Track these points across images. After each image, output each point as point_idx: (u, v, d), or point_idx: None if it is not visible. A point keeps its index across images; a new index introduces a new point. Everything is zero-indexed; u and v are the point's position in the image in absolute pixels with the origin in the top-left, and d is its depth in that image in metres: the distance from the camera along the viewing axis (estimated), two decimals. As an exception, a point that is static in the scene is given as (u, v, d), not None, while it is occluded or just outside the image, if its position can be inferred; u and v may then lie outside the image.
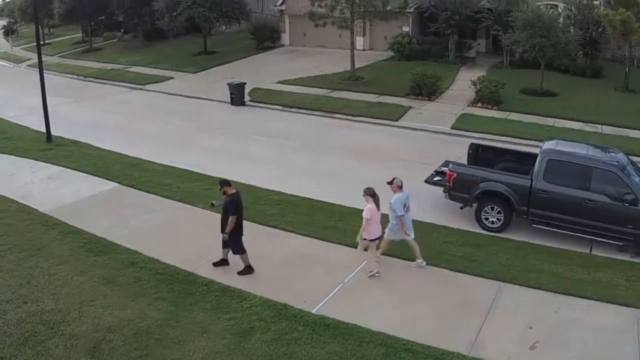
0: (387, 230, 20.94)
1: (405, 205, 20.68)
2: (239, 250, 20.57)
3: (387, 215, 20.98)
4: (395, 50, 57.31)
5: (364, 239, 20.30)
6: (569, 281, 20.18)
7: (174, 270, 20.89)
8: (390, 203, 20.79)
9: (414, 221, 21.35)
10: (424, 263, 20.93)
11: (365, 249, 20.63)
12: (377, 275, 20.42)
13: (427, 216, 24.71)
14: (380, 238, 20.52)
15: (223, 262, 21.02)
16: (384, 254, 21.22)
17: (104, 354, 16.73)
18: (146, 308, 18.78)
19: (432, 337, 17.08)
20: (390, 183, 21.14)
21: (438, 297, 18.90)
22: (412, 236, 20.91)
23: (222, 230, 20.38)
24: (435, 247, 22.03)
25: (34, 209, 26.55)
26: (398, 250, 21.44)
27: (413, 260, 21.06)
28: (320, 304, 18.71)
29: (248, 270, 20.60)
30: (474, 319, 17.95)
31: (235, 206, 20.19)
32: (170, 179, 29.52)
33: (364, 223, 20.03)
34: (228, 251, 20.80)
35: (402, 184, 21.05)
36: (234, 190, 20.41)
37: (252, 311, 18.46)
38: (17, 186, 29.26)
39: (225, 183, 20.60)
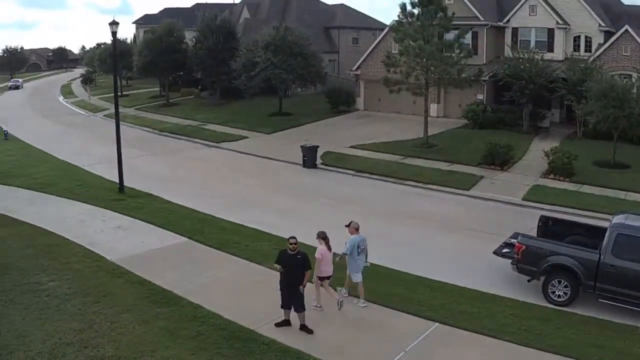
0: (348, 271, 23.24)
1: (359, 247, 22.86)
2: (303, 306, 20.88)
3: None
4: (469, 118, 57.31)
5: (318, 277, 22.36)
6: (632, 358, 19.77)
7: (236, 327, 21.01)
8: (345, 242, 23.08)
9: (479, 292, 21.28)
10: (366, 304, 22.82)
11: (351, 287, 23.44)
12: (319, 308, 22.53)
13: (493, 288, 24.50)
14: (330, 277, 22.55)
15: (285, 323, 21.02)
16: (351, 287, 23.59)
17: (162, 406, 16.94)
18: (206, 363, 18.87)
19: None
20: (347, 226, 23.43)
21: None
22: (358, 279, 22.96)
23: (293, 287, 20.65)
24: (500, 320, 21.74)
25: (101, 256, 27.10)
26: (463, 322, 21.36)
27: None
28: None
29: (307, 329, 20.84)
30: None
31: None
32: (239, 236, 29.80)
33: (316, 263, 22.02)
34: (290, 311, 20.82)
35: (358, 227, 23.29)
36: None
37: (311, 374, 18.38)
38: (87, 233, 29.92)
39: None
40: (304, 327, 20.74)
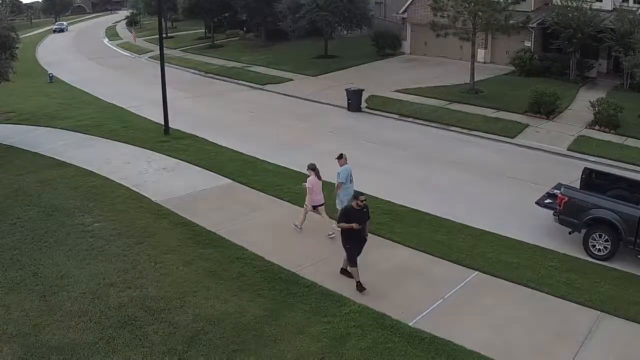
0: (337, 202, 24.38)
1: (351, 176, 24.44)
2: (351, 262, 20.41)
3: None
4: (516, 65, 56.58)
5: (311, 206, 24.32)
6: (670, 316, 19.80)
7: (278, 269, 21.42)
8: (338, 173, 24.50)
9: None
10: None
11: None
12: (299, 229, 24.60)
13: (534, 239, 24.46)
14: (323, 205, 24.42)
15: (361, 286, 20.37)
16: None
17: (201, 344, 17.34)
18: (247, 304, 19.34)
19: (524, 361, 16.94)
20: (338, 158, 24.92)
21: (535, 321, 18.73)
22: (342, 203, 23.61)
23: (364, 242, 20.54)
24: (540, 271, 21.77)
25: (146, 197, 27.56)
26: (502, 272, 21.50)
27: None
28: (418, 317, 18.82)
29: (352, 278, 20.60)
30: (568, 348, 17.73)
31: None
32: (283, 179, 30.08)
33: (307, 192, 24.15)
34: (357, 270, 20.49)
35: (344, 156, 24.83)
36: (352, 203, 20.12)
37: (350, 317, 18.74)
38: (132, 174, 30.40)
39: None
40: (346, 272, 20.90)
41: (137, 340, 17.53)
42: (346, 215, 19.73)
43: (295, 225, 24.78)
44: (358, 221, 19.47)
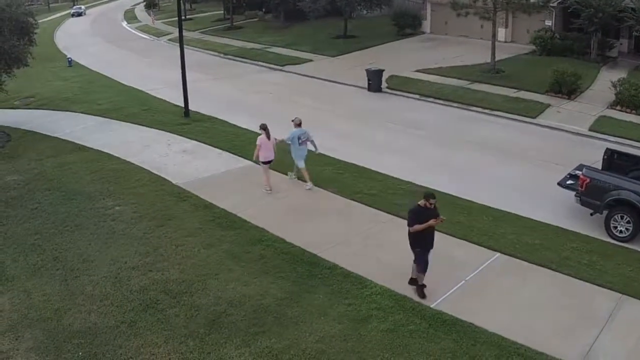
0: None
1: (299, 138, 26.90)
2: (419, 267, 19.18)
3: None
4: (537, 44, 56.25)
5: (261, 162, 26.73)
6: (693, 299, 19.71)
7: (299, 251, 21.49)
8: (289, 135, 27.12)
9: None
10: (311, 187, 27.01)
11: (299, 175, 27.63)
12: (268, 191, 26.80)
13: (556, 220, 24.39)
14: (272, 161, 26.87)
15: (423, 290, 19.26)
16: (300, 178, 27.71)
17: (223, 327, 17.46)
18: (268, 286, 19.43)
19: (546, 344, 16.97)
20: (294, 121, 27.57)
21: (558, 303, 18.70)
22: (301, 165, 27.22)
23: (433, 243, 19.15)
24: (561, 253, 21.71)
25: (167, 180, 27.70)
26: (524, 253, 21.46)
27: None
28: (440, 299, 18.87)
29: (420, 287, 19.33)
30: (589, 330, 17.70)
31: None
32: (303, 161, 30.03)
33: (257, 148, 26.39)
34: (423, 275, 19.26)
35: (300, 122, 27.48)
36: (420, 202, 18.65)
37: (372, 299, 18.81)
38: (152, 157, 30.52)
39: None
40: (415, 282, 19.48)
41: (158, 323, 17.65)
42: (417, 214, 18.42)
43: (266, 189, 26.92)
44: (427, 221, 18.33)
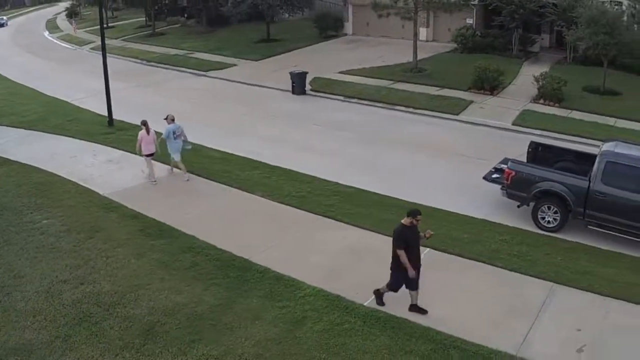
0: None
1: (174, 133, 28.25)
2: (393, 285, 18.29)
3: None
4: (459, 42, 56.85)
5: (144, 155, 28.27)
6: (620, 285, 20.00)
7: (230, 257, 21.29)
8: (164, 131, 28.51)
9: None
10: (188, 177, 28.58)
11: (176, 166, 28.99)
12: (153, 182, 28.36)
13: (484, 214, 24.74)
14: (153, 155, 28.27)
15: (415, 308, 18.46)
16: (176, 166, 29.01)
17: (158, 337, 17.19)
18: (201, 293, 19.21)
19: (481, 335, 17.16)
20: (165, 118, 28.95)
21: (490, 295, 18.93)
22: (177, 158, 28.52)
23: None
24: (491, 246, 22.03)
25: (93, 191, 27.23)
26: (454, 248, 21.63)
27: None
28: (373, 297, 18.84)
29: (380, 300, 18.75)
30: (523, 320, 17.98)
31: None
32: (230, 166, 29.90)
33: (138, 143, 28.16)
34: (416, 294, 18.40)
35: (173, 118, 28.85)
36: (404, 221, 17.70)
37: (305, 301, 18.76)
38: (78, 169, 30.02)
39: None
40: (415, 308, 18.46)
41: (93, 336, 17.33)
42: (402, 235, 17.50)
43: (151, 181, 28.41)
44: (414, 239, 17.66)
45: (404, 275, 17.66)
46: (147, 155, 28.24)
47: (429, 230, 17.95)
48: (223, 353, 16.53)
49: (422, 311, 18.19)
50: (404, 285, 17.96)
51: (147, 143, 28.10)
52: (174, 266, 20.83)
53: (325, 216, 24.40)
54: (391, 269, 17.97)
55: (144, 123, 28.41)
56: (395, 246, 17.47)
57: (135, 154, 28.91)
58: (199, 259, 21.22)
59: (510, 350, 16.70)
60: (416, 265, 17.68)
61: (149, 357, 16.48)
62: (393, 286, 18.15)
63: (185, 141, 28.86)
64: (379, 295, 18.67)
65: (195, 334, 17.26)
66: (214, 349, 16.65)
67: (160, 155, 28.52)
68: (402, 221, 17.57)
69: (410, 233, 17.53)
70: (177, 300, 18.84)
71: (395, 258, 17.61)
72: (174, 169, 29.30)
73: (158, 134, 28.51)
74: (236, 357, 16.40)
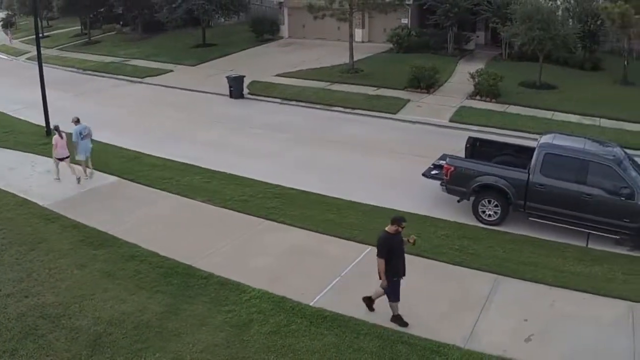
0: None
1: (81, 134, 29.25)
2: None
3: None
4: (394, 42, 57.26)
5: (57, 159, 29.09)
6: (565, 274, 20.36)
7: (173, 264, 21.07)
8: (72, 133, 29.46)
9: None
10: (90, 174, 29.60)
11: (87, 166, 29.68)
12: (58, 180, 29.22)
13: (424, 210, 24.95)
14: (67, 157, 29.06)
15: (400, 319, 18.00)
16: (87, 166, 29.61)
17: (105, 347, 16.92)
18: (146, 301, 18.98)
19: (429, 329, 17.28)
20: (72, 122, 29.84)
21: (435, 290, 19.05)
22: (82, 158, 29.41)
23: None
24: (433, 241, 22.17)
25: (34, 202, 26.71)
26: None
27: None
28: (318, 297, 18.91)
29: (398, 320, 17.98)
30: (470, 312, 18.17)
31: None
32: (170, 172, 29.65)
33: (53, 146, 29.07)
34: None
35: (78, 120, 29.87)
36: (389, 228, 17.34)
37: (251, 304, 18.64)
38: (17, 180, 29.42)
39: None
40: (398, 319, 17.96)
41: (40, 349, 17.01)
42: (386, 243, 17.19)
43: (56, 178, 29.31)
44: (399, 247, 17.42)
45: (397, 282, 17.48)
46: (62, 159, 29.20)
47: (412, 236, 17.75)
48: (171, 360, 16.41)
49: (402, 321, 17.87)
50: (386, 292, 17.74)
51: (61, 147, 29.02)
52: (117, 275, 20.54)
53: (267, 219, 24.33)
54: (387, 280, 17.48)
55: (57, 128, 29.48)
56: (378, 255, 17.18)
57: (53, 159, 29.44)
58: (141, 267, 20.95)
59: (459, 342, 16.85)
60: (403, 272, 17.56)
61: (97, 369, 16.28)
62: (394, 297, 17.63)
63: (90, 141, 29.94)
64: (396, 317, 17.83)
65: (142, 343, 17.05)
66: (162, 357, 16.47)
67: (98, 164, 28.28)
68: (387, 229, 17.27)
69: (395, 241, 17.26)
70: (122, 310, 18.59)
71: (384, 268, 17.31)
72: (87, 169, 29.70)
73: (97, 142, 28.19)
74: (185, 363, 16.29)
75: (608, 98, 42.45)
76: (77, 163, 29.35)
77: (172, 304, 18.79)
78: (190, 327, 17.65)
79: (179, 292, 19.40)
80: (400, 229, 17.14)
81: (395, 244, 17.22)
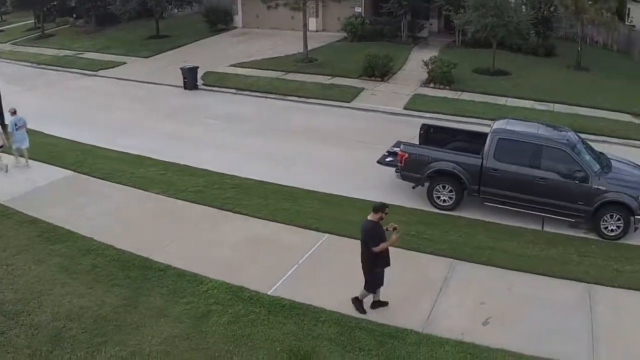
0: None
1: (16, 125, 29.46)
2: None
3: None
4: (348, 31, 57.36)
5: None
6: (521, 258, 20.67)
7: (130, 257, 20.96)
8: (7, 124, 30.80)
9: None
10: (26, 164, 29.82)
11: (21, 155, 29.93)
12: (17, 166, 29.72)
13: (380, 196, 24.79)
14: (2, 147, 29.33)
15: (380, 304, 18.15)
16: (21, 155, 29.78)
17: (65, 342, 16.81)
18: (104, 295, 18.86)
19: (386, 315, 17.46)
20: (9, 112, 30.55)
21: (392, 275, 18.98)
22: (19, 147, 29.62)
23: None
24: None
25: (-13, 199, 26.46)
26: (352, 232, 21.76)
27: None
28: (276, 285, 18.98)
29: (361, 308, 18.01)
30: (427, 297, 18.37)
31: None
32: (125, 165, 29.44)
33: None
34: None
35: (15, 111, 30.20)
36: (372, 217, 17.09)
37: (209, 295, 18.64)
38: (-31, 178, 29.12)
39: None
40: (379, 303, 18.08)
41: (1, 347, 16.87)
42: (378, 231, 16.97)
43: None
44: (383, 234, 17.06)
45: (380, 272, 17.38)
46: None
47: (392, 224, 17.37)
48: (131, 353, 16.32)
49: (384, 303, 18.09)
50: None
51: None
52: (75, 270, 20.39)
53: (223, 209, 24.33)
54: (365, 270, 17.41)
55: None
56: (372, 245, 16.81)
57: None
58: (98, 261, 20.82)
59: (417, 327, 17.03)
60: (387, 262, 17.44)
61: (58, 364, 16.22)
62: (373, 288, 17.64)
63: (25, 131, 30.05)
64: (358, 303, 17.93)
65: (101, 337, 16.97)
66: (121, 350, 16.42)
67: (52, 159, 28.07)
68: (370, 217, 16.99)
69: (380, 228, 17.03)
70: (81, 304, 18.47)
71: (370, 258, 17.12)
72: (20, 158, 29.87)
73: (51, 137, 27.92)
74: (144, 356, 16.22)
75: (562, 84, 43.06)
76: (12, 153, 29.49)
77: (130, 297, 18.70)
78: (149, 320, 17.59)
79: (136, 285, 19.30)
80: (384, 215, 17.01)
81: (381, 231, 17.03)
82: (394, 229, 17.09)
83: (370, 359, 16.00)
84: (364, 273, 17.43)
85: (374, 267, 17.23)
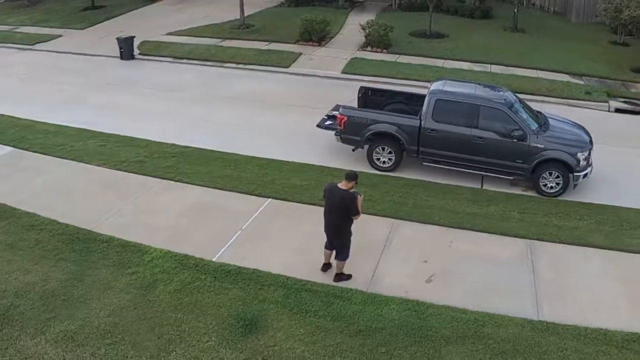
0: None
1: None
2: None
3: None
4: (285, -4, 57.32)
5: None
6: (461, 215, 21.11)
7: (74, 230, 20.85)
8: None
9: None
10: None
11: None
12: None
13: (320, 160, 25.30)
14: None
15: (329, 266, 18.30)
16: None
17: (14, 319, 16.76)
18: (50, 270, 18.79)
19: (331, 276, 17.77)
20: None
21: (334, 237, 19.41)
22: None
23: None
24: (329, 190, 22.46)
25: None
26: (295, 196, 22.02)
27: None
28: (220, 252, 19.14)
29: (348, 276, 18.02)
30: (370, 256, 18.71)
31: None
32: (64, 138, 29.13)
33: None
34: (332, 254, 18.03)
35: None
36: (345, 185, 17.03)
37: (154, 264, 18.71)
38: None
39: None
40: (341, 276, 17.96)
41: (-53, 329, 16.87)
42: (357, 199, 16.93)
43: None
44: None
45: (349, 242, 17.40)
46: None
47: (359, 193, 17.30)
48: (80, 327, 16.34)
49: (330, 265, 18.20)
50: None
51: None
52: (19, 246, 20.25)
53: (164, 178, 24.29)
54: (341, 238, 17.37)
55: None
56: (354, 214, 16.86)
57: None
58: (42, 236, 20.69)
59: (361, 286, 17.40)
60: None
61: (9, 342, 16.06)
62: (346, 255, 17.61)
63: None
64: (340, 275, 17.84)
65: (50, 312, 16.97)
66: (70, 324, 16.43)
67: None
68: (342, 186, 16.89)
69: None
70: (27, 280, 18.41)
71: (349, 227, 17.17)
72: None
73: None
74: (93, 329, 16.25)
75: (499, 45, 43.57)
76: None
77: (76, 271, 18.67)
78: (96, 292, 17.62)
79: (81, 258, 19.27)
80: (356, 184, 17.08)
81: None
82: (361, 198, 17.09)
83: (317, 320, 16.25)
84: (336, 241, 17.52)
85: (348, 237, 17.39)
